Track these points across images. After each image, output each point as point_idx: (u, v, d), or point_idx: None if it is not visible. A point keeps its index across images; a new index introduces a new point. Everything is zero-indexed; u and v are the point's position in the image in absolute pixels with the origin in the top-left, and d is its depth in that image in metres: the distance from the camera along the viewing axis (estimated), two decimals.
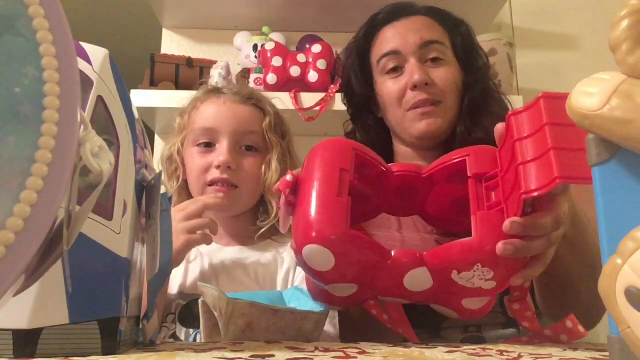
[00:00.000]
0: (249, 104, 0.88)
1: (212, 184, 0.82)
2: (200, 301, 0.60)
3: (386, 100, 0.88)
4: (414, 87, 0.84)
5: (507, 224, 0.49)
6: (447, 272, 0.52)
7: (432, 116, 0.84)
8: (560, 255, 0.59)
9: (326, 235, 0.50)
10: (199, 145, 0.85)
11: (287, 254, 0.84)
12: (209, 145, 0.84)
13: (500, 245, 0.49)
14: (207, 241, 0.77)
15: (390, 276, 0.53)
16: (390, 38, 0.88)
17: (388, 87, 0.87)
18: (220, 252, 0.84)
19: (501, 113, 0.84)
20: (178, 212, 0.76)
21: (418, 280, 0.53)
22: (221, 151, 0.82)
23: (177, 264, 0.78)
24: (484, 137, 0.79)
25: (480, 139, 0.78)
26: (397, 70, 0.87)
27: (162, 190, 0.50)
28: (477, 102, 0.87)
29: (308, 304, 0.62)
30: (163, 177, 0.50)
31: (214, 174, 0.82)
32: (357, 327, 0.78)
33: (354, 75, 0.94)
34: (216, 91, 0.90)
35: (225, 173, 0.81)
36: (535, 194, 0.46)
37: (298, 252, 0.52)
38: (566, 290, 0.70)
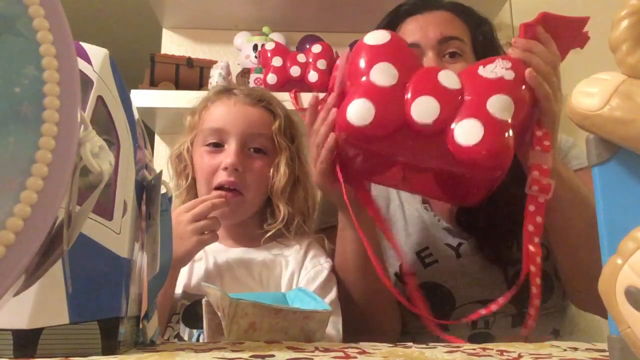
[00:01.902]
0: (259, 106, 0.87)
1: (218, 187, 0.82)
2: (203, 301, 0.60)
3: None
4: None
5: (514, 40, 0.72)
6: (475, 68, 0.67)
7: None
8: (561, 200, 0.70)
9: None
10: (207, 145, 0.84)
11: (291, 257, 0.83)
12: (218, 146, 0.84)
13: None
14: (215, 239, 0.78)
15: (426, 72, 0.67)
16: (412, 31, 0.89)
17: None
18: (225, 253, 0.84)
19: None
20: (185, 214, 0.77)
21: (450, 76, 0.65)
22: (229, 152, 0.82)
23: (185, 264, 0.78)
24: None
25: None
26: None
27: (162, 190, 0.50)
28: None
29: (311, 305, 0.62)
30: (166, 176, 0.50)
31: (222, 176, 0.81)
32: (359, 329, 0.79)
33: None
34: (227, 91, 0.90)
35: (232, 175, 0.81)
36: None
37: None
38: (574, 251, 0.75)
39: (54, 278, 0.35)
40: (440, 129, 0.63)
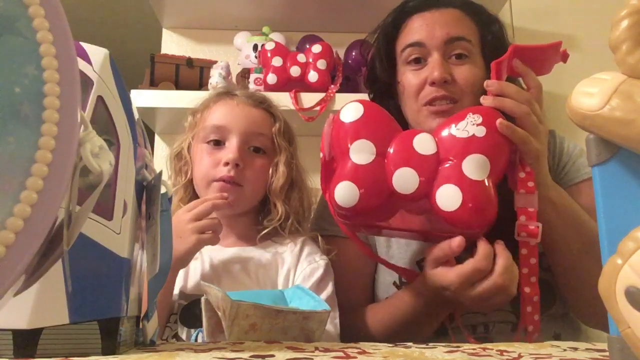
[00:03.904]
0: (260, 108, 0.89)
1: (218, 180, 0.82)
2: (202, 299, 0.60)
3: (405, 91, 0.88)
4: (433, 84, 0.83)
5: (486, 83, 0.72)
6: (449, 127, 0.68)
7: (446, 115, 0.82)
8: (554, 226, 0.72)
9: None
10: (208, 142, 0.85)
11: (287, 254, 0.84)
12: (218, 144, 0.85)
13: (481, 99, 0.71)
14: (215, 241, 0.78)
15: (402, 141, 0.68)
16: (418, 28, 0.87)
17: (408, 78, 0.87)
18: (221, 252, 0.84)
19: None
20: (186, 213, 0.77)
21: (425, 141, 0.68)
22: (230, 149, 0.83)
23: (186, 264, 0.78)
24: None
25: None
26: (419, 61, 0.86)
27: (162, 190, 0.50)
28: None
29: (310, 303, 0.62)
30: (165, 175, 0.50)
31: (222, 171, 0.82)
32: (356, 331, 0.79)
33: (378, 61, 0.93)
34: (229, 93, 0.91)
35: (233, 171, 0.82)
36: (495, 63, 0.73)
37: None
38: (572, 272, 0.75)
39: (54, 278, 0.35)
40: (424, 194, 0.66)
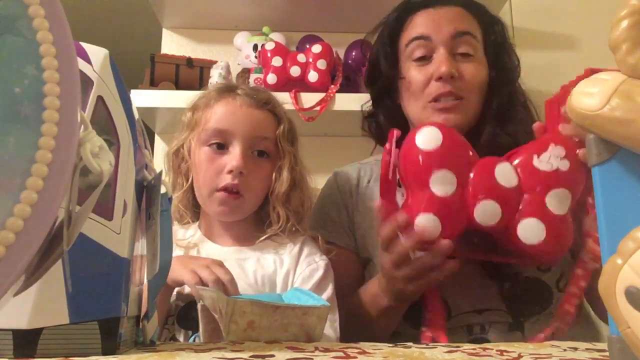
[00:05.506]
0: (264, 109, 0.86)
1: (222, 190, 0.81)
2: (199, 305, 0.59)
3: (409, 87, 0.86)
4: (439, 79, 0.82)
5: (561, 127, 0.69)
6: (529, 158, 0.67)
7: (451, 112, 0.82)
8: None
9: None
10: (210, 145, 0.83)
11: (286, 255, 0.83)
12: (221, 147, 0.83)
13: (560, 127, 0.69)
14: (215, 285, 0.70)
15: (483, 170, 0.67)
16: (423, 23, 0.86)
17: (413, 74, 0.85)
18: (219, 252, 0.83)
19: (527, 119, 0.84)
20: (204, 260, 0.74)
21: (506, 172, 0.67)
22: (234, 155, 0.81)
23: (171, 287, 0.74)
24: (510, 142, 0.79)
25: (506, 144, 0.78)
26: (424, 59, 0.85)
27: (162, 190, 0.50)
28: (504, 107, 0.86)
29: (308, 302, 0.62)
30: (164, 176, 0.50)
31: (226, 179, 0.80)
32: (357, 331, 0.79)
33: (382, 56, 0.91)
34: (231, 91, 0.88)
35: (237, 178, 0.80)
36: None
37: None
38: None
39: (54, 278, 0.35)
40: (504, 227, 0.66)
